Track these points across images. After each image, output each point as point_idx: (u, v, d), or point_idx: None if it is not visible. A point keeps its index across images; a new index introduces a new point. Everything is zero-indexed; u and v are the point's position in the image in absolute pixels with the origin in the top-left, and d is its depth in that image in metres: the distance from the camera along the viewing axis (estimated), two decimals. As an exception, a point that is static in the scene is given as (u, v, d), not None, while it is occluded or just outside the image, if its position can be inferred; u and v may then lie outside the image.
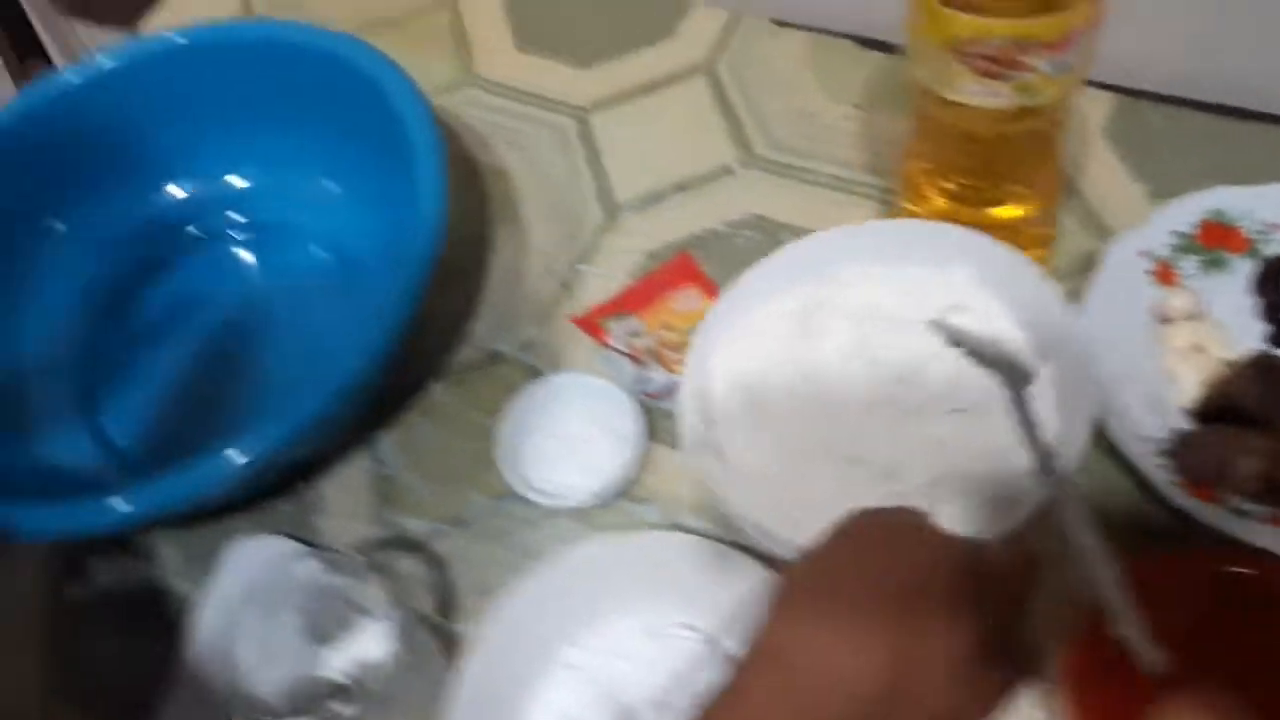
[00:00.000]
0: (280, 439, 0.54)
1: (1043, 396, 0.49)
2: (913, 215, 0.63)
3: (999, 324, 0.53)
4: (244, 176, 0.76)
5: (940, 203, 0.61)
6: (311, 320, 0.70)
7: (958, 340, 0.52)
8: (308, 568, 0.52)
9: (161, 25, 0.92)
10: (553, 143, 0.78)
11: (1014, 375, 0.49)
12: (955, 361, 0.52)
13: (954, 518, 0.46)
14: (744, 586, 0.53)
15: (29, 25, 1.22)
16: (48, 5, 1.27)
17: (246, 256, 0.75)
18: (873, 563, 0.36)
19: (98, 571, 0.64)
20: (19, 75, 1.23)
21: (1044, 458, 0.45)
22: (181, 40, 0.71)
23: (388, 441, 0.66)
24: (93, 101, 0.70)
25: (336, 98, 0.67)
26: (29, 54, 1.22)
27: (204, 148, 0.74)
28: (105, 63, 0.70)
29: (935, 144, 0.60)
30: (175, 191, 0.76)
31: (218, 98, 0.71)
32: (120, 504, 0.53)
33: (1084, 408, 0.48)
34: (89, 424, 0.67)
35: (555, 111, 0.80)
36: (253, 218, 0.76)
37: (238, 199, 0.76)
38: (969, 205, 0.61)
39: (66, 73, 0.71)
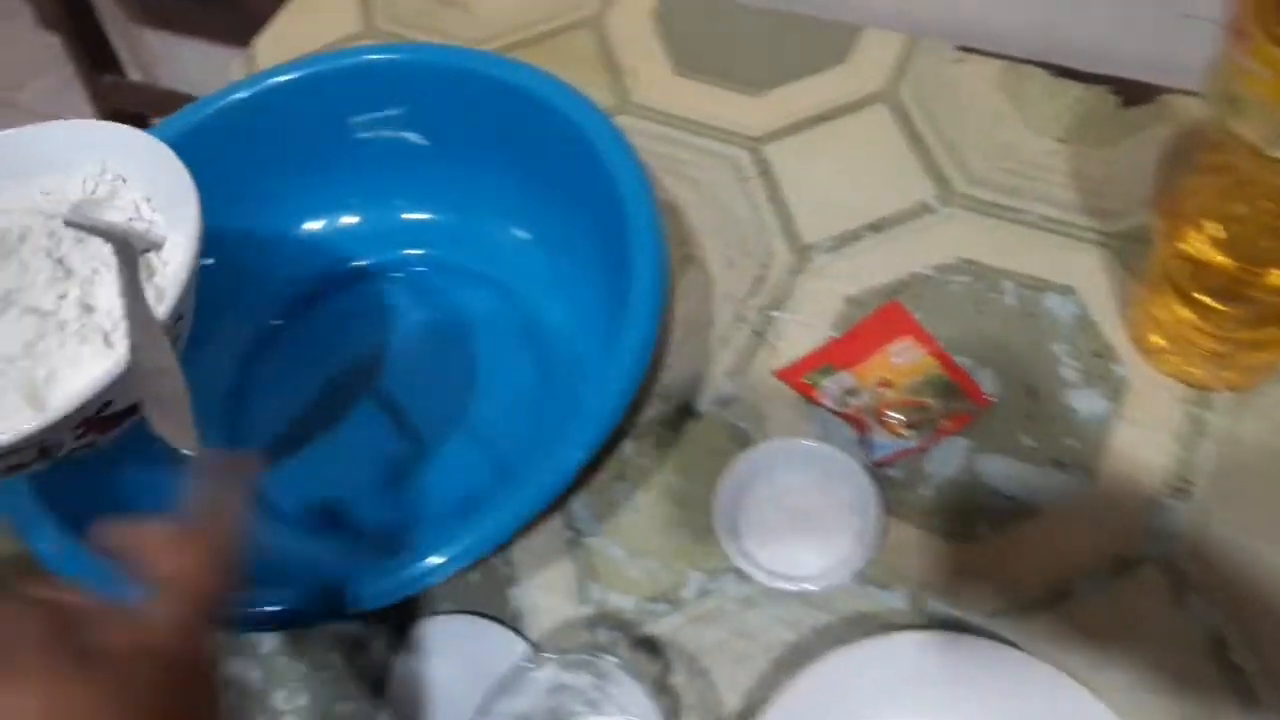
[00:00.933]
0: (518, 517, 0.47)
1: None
2: (1182, 256, 0.57)
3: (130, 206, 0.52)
4: (424, 211, 0.69)
5: (1215, 255, 0.55)
6: (494, 376, 0.64)
7: (81, 228, 0.50)
8: (548, 674, 0.46)
9: (273, 42, 0.86)
10: (726, 176, 0.72)
11: (124, 247, 0.48)
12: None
13: None
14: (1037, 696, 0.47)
15: (103, 37, 1.16)
16: (123, 17, 1.20)
17: (416, 297, 0.68)
18: None
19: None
20: (93, 88, 1.16)
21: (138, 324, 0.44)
22: (367, 58, 0.64)
23: (582, 505, 0.60)
24: (261, 117, 0.65)
25: (530, 136, 0.61)
26: (103, 67, 1.15)
27: (376, 176, 0.67)
28: (276, 78, 0.64)
29: (1229, 198, 0.54)
30: (348, 220, 0.70)
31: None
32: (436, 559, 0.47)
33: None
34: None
35: (726, 142, 0.74)
36: (430, 256, 0.69)
37: (415, 234, 0.69)
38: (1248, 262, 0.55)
39: (236, 87, 0.64)
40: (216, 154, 0.59)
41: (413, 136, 0.66)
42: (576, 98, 0.59)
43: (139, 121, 1.20)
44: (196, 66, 1.26)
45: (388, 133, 0.66)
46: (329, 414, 0.63)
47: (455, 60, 0.63)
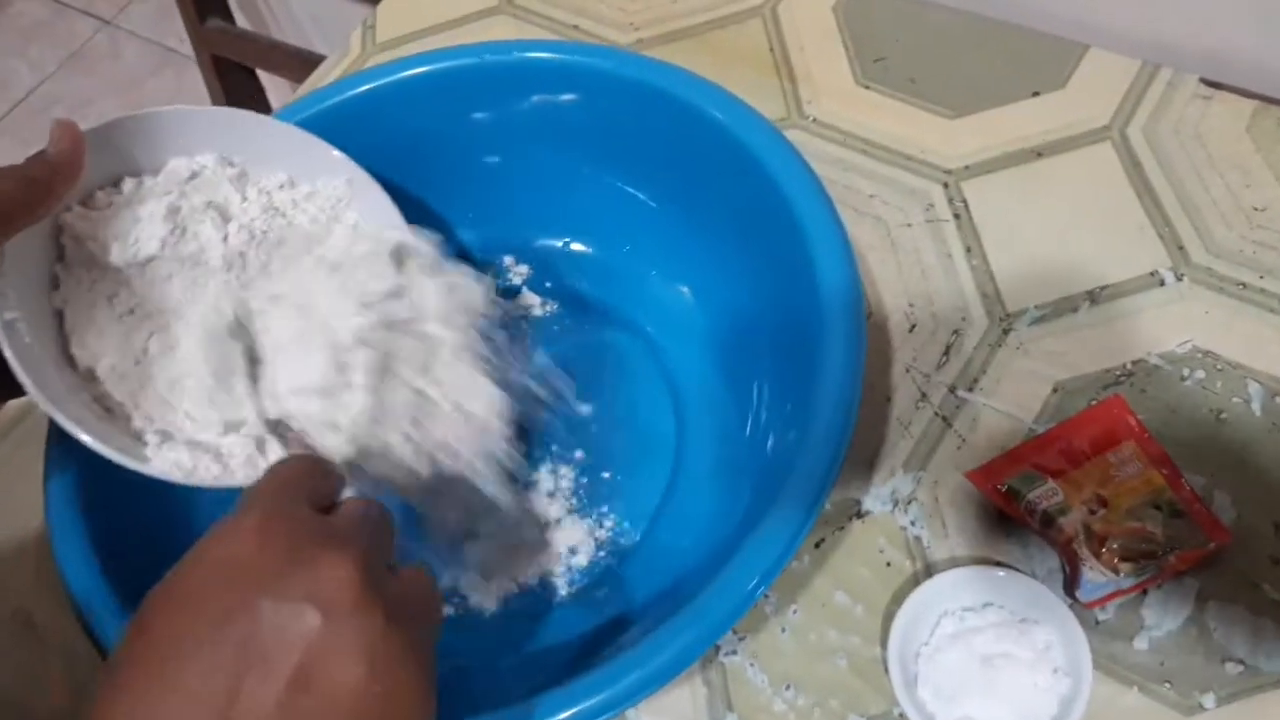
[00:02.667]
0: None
1: None
2: None
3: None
4: (561, 237, 0.60)
5: None
6: (628, 446, 0.54)
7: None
8: None
9: (396, 11, 0.77)
10: (915, 215, 0.61)
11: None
12: None
13: None
14: None
15: (212, -23, 1.07)
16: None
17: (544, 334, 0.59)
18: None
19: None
20: (198, 34, 1.08)
21: None
22: (522, 54, 0.54)
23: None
24: (391, 111, 0.56)
25: (716, 180, 0.51)
26: (209, 12, 1.07)
27: (516, 192, 0.59)
28: (411, 69, 0.55)
29: None
30: (475, 237, 0.61)
31: (563, 131, 0.56)
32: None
33: None
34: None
35: (914, 172, 0.62)
36: (568, 288, 0.60)
37: (556, 261, 0.61)
38: None
39: (369, 74, 0.55)
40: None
41: (552, 154, 0.56)
42: (772, 134, 0.49)
43: (249, 78, 1.12)
44: (311, 21, 1.17)
45: (526, 146, 0.56)
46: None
47: (627, 70, 0.52)
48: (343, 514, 0.35)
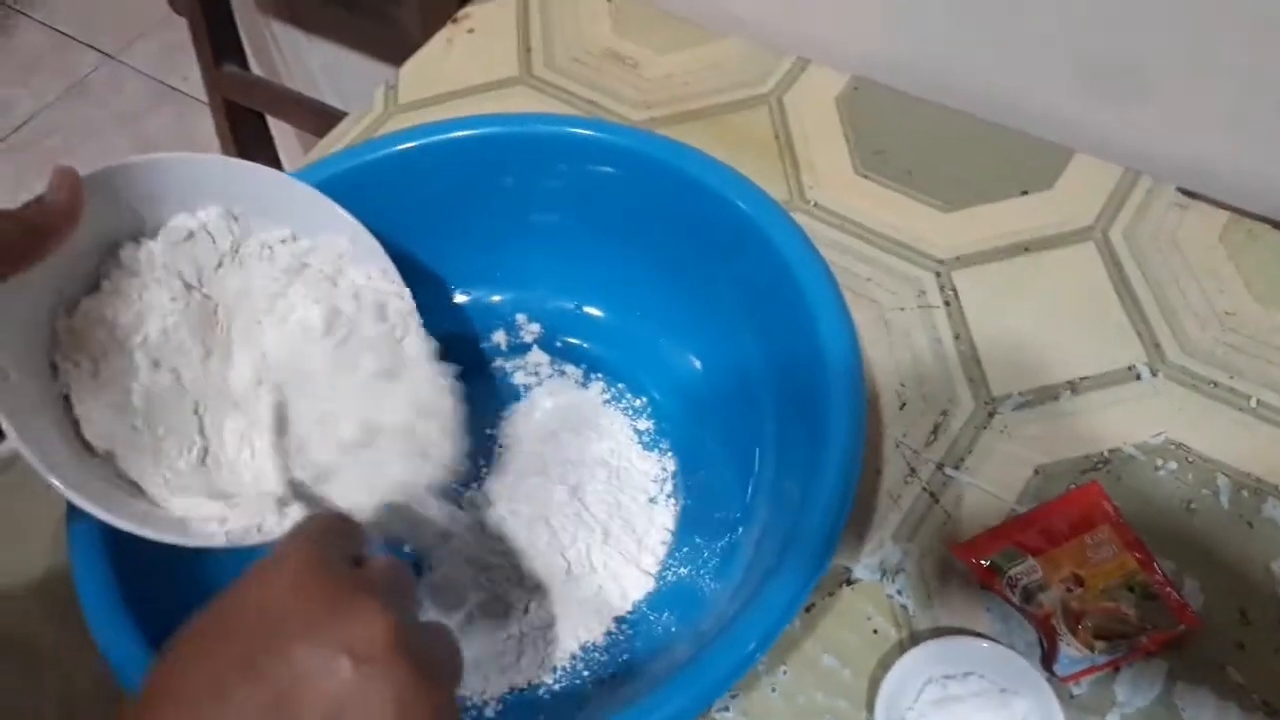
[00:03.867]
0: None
1: None
2: None
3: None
4: (579, 303, 0.63)
5: None
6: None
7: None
8: None
9: (419, 72, 0.80)
10: (908, 300, 0.64)
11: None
12: None
13: None
14: None
15: (232, 24, 1.10)
16: (253, 8, 1.16)
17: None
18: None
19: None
20: (212, 77, 1.11)
21: None
22: (540, 128, 0.58)
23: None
24: (413, 174, 0.58)
25: (728, 255, 0.54)
26: (225, 58, 1.10)
27: (534, 256, 0.62)
28: (445, 134, 0.58)
29: None
30: (495, 298, 0.64)
31: (582, 201, 0.59)
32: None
33: None
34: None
35: (909, 260, 0.66)
36: (581, 351, 0.63)
37: (569, 325, 0.63)
38: None
39: (396, 138, 0.58)
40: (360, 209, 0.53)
41: (570, 220, 0.59)
42: (781, 215, 0.52)
43: (258, 122, 1.15)
44: (323, 73, 1.21)
45: (547, 213, 0.59)
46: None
47: (648, 148, 0.56)
48: (373, 568, 0.36)
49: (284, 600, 0.31)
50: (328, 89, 1.22)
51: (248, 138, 1.17)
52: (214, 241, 0.48)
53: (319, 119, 1.00)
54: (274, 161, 1.19)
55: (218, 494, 0.45)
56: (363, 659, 0.30)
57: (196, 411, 0.46)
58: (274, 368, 0.48)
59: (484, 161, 0.58)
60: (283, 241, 0.50)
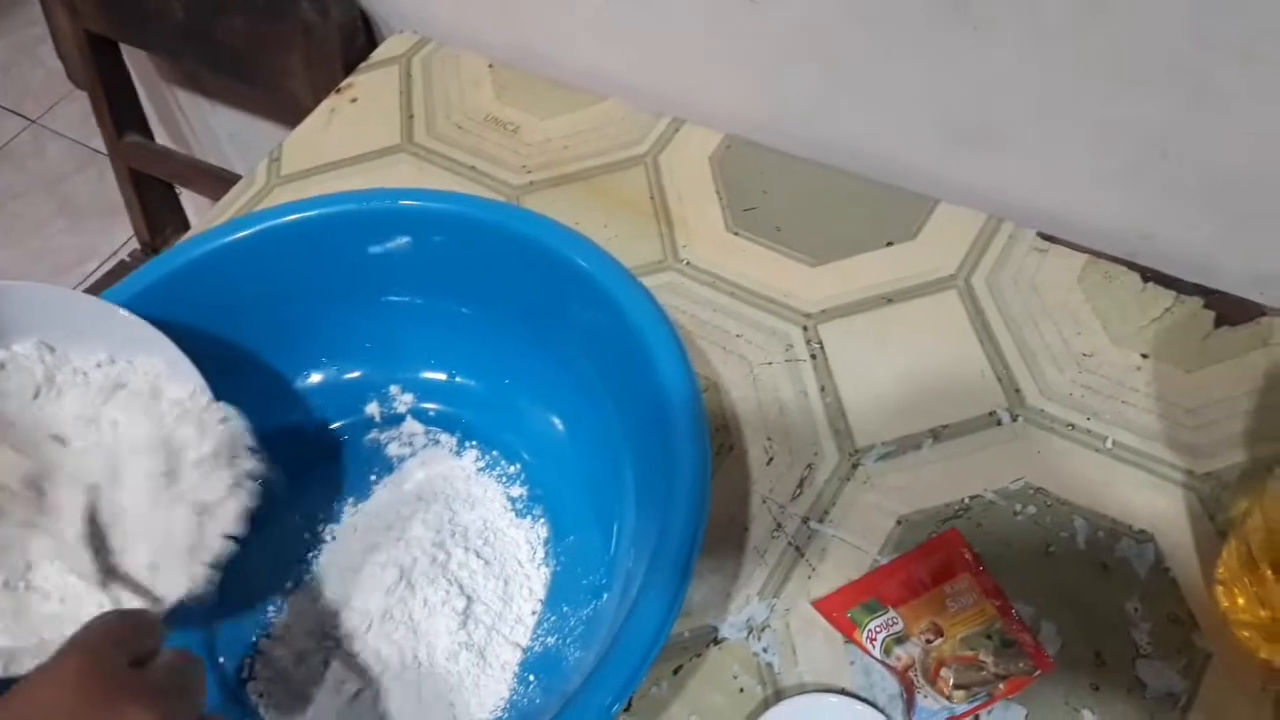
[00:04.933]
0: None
1: None
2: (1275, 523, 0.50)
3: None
4: (450, 373, 0.64)
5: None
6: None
7: None
8: None
9: (303, 145, 0.81)
10: (775, 355, 0.65)
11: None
12: None
13: None
14: None
15: (133, 94, 1.11)
16: (156, 77, 1.16)
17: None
18: None
19: None
20: (115, 148, 1.11)
21: None
22: (384, 204, 0.58)
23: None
24: (266, 258, 0.59)
25: (579, 317, 0.55)
26: (128, 128, 1.10)
27: (395, 330, 0.62)
28: (283, 217, 0.58)
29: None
30: (352, 375, 0.64)
31: (442, 274, 0.60)
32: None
33: None
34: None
35: (776, 315, 0.67)
36: (456, 419, 0.63)
37: (450, 396, 0.64)
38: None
39: (238, 224, 0.58)
40: (207, 297, 0.55)
41: (431, 294, 0.60)
42: (626, 278, 0.53)
43: (166, 189, 1.15)
44: (229, 140, 1.21)
45: (404, 292, 0.60)
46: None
47: (485, 214, 0.57)
48: (156, 666, 0.37)
49: (57, 703, 0.32)
50: (234, 155, 1.23)
51: (156, 204, 1.17)
52: (28, 372, 0.49)
53: (220, 185, 1.00)
54: (183, 224, 1.19)
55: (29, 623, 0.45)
56: None
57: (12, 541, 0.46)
58: (90, 487, 0.48)
59: (342, 238, 0.58)
60: (98, 365, 0.51)
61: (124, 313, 0.51)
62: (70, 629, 0.44)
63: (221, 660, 0.57)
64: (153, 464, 0.47)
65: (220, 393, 0.52)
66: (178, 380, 0.51)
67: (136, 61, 1.13)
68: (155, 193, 1.18)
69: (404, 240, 0.57)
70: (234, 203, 0.78)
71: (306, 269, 0.59)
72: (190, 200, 1.20)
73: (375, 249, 0.59)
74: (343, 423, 0.64)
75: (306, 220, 0.57)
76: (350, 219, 0.58)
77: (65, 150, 1.98)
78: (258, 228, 0.57)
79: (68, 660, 0.34)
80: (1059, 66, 0.62)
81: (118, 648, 0.36)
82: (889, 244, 0.70)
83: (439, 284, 0.60)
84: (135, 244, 1.24)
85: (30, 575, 0.46)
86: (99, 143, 1.95)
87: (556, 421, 0.61)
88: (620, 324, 0.53)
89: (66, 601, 0.46)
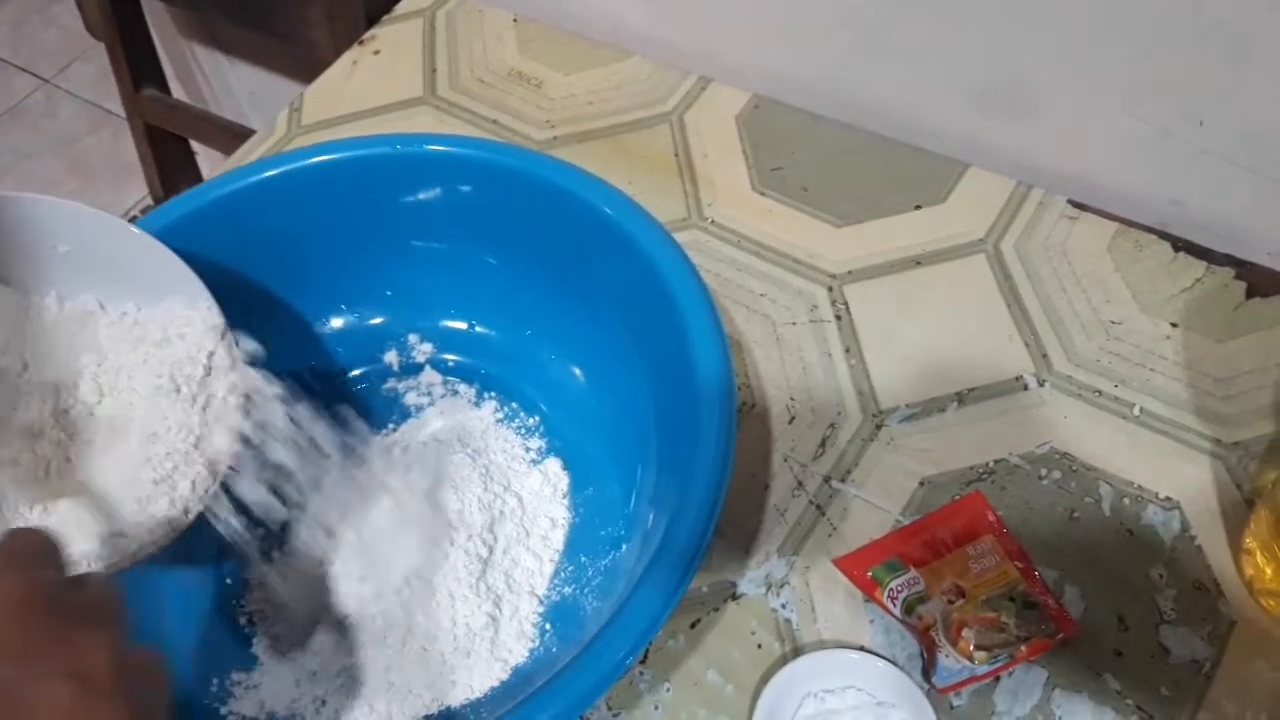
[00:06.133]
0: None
1: None
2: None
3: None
4: (471, 322, 0.63)
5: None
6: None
7: None
8: None
9: (324, 95, 0.80)
10: (800, 315, 0.64)
11: None
12: None
13: None
14: None
15: (151, 48, 1.10)
16: (173, 30, 1.15)
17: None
18: None
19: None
20: (132, 102, 1.10)
21: None
22: (412, 148, 0.57)
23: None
24: (288, 199, 0.58)
25: (610, 273, 0.54)
26: (144, 79, 1.09)
27: (416, 276, 0.61)
28: (310, 159, 0.57)
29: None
30: (376, 320, 0.64)
31: (469, 222, 0.59)
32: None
33: None
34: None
35: (801, 275, 0.66)
36: (467, 367, 0.62)
37: (453, 343, 0.63)
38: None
39: (266, 163, 0.57)
40: (232, 236, 0.54)
41: (456, 241, 0.59)
42: (659, 232, 0.52)
43: (181, 146, 1.14)
44: (248, 96, 1.20)
45: (430, 238, 0.59)
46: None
47: (517, 163, 0.56)
48: (94, 587, 0.35)
49: (4, 628, 0.30)
50: (251, 111, 1.22)
51: (170, 160, 1.16)
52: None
53: (237, 141, 0.99)
54: (197, 181, 1.18)
55: None
56: (85, 686, 0.29)
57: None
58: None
59: (361, 184, 0.58)
60: (123, 314, 0.51)
61: (151, 240, 0.50)
62: None
63: (228, 582, 0.56)
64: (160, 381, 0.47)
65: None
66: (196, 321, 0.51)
67: (155, 15, 1.12)
68: (170, 149, 1.17)
69: (434, 186, 0.57)
70: (254, 150, 0.77)
71: (332, 212, 0.59)
72: (205, 157, 1.20)
73: (404, 194, 0.58)
74: (361, 370, 0.64)
75: (336, 162, 0.57)
76: (381, 162, 0.57)
77: (78, 110, 1.97)
78: (288, 167, 0.56)
79: (3, 582, 0.32)
80: (1090, 25, 0.61)
81: (49, 567, 0.34)
82: (917, 207, 0.69)
83: (465, 231, 0.59)
84: (147, 203, 1.23)
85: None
86: (112, 104, 1.95)
87: (578, 373, 0.60)
88: (653, 281, 0.52)
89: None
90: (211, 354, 0.49)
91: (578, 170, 0.55)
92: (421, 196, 0.58)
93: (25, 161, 1.88)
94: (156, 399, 0.47)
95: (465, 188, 0.57)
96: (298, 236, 0.59)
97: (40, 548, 0.35)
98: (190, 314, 0.50)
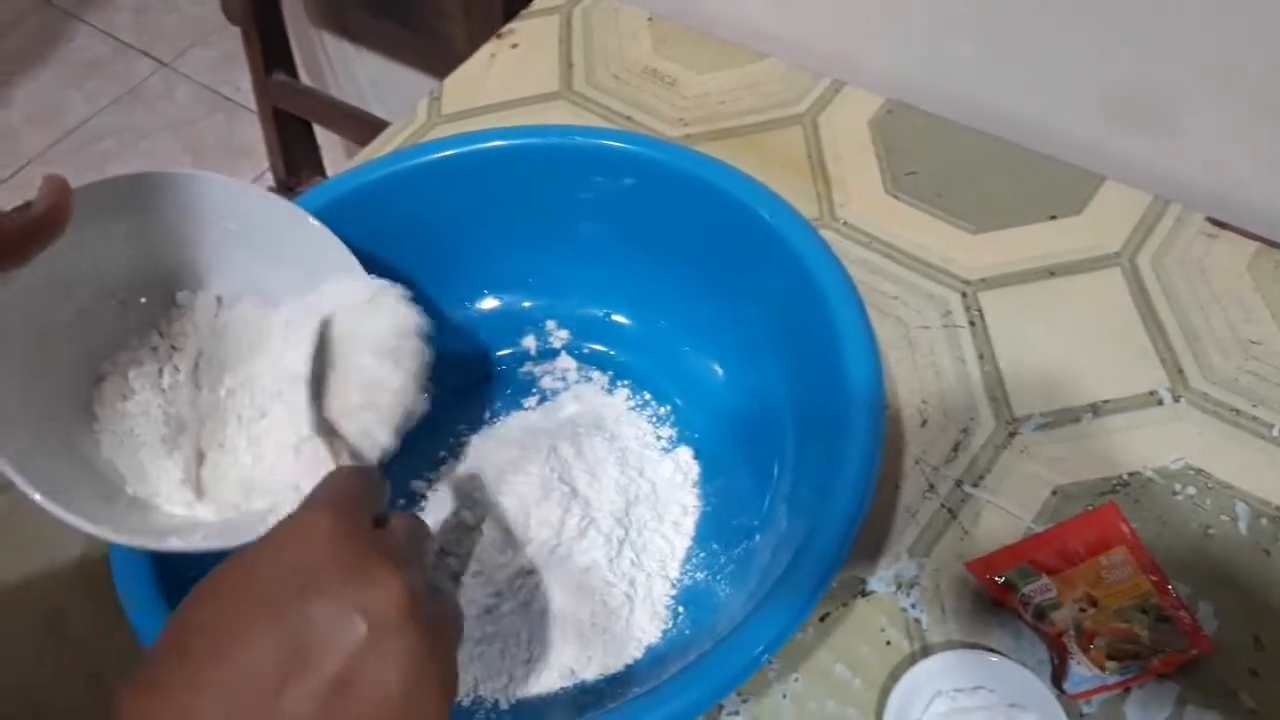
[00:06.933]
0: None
1: None
2: None
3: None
4: (608, 311, 0.65)
5: None
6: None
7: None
8: None
9: (462, 85, 0.82)
10: (933, 319, 0.65)
11: None
12: None
13: None
14: None
15: (283, 34, 1.14)
16: (305, 20, 1.19)
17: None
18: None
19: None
20: (263, 86, 1.14)
21: None
22: (575, 140, 0.59)
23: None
24: (450, 181, 0.60)
25: (757, 270, 0.56)
26: (276, 66, 1.13)
27: (561, 264, 0.63)
28: (481, 143, 0.59)
29: None
30: (525, 304, 0.66)
31: (616, 213, 0.61)
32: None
33: None
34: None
35: (935, 280, 0.67)
36: (606, 357, 0.64)
37: (605, 334, 0.65)
38: None
39: (437, 145, 0.60)
40: (384, 219, 0.56)
41: (604, 233, 0.61)
42: (812, 234, 0.53)
43: (305, 130, 1.18)
44: (371, 85, 1.23)
45: (579, 229, 0.61)
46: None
47: (683, 163, 0.57)
48: (395, 529, 0.37)
49: (309, 560, 0.33)
50: (374, 100, 1.25)
51: (294, 144, 1.20)
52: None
53: (363, 128, 1.03)
54: (318, 165, 1.22)
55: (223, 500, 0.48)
56: (378, 623, 0.32)
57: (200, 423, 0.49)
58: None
59: (517, 172, 0.59)
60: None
61: (310, 219, 0.52)
62: (259, 496, 0.46)
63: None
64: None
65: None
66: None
67: (290, 2, 1.16)
68: (294, 132, 1.21)
69: (593, 178, 0.58)
70: (394, 137, 0.80)
71: (485, 198, 0.61)
72: (326, 140, 1.23)
73: (560, 185, 0.60)
74: (499, 353, 0.66)
75: (500, 150, 0.59)
76: (542, 152, 0.59)
77: (194, 94, 2.04)
78: (458, 150, 0.58)
79: (319, 516, 0.34)
80: (1235, 38, 0.61)
81: (361, 507, 0.36)
82: (1052, 217, 0.69)
83: (614, 224, 0.61)
84: (265, 183, 1.27)
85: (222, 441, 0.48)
86: (228, 89, 2.01)
87: (715, 366, 0.61)
88: (807, 287, 0.53)
89: (256, 464, 0.48)
90: None
91: (729, 167, 0.56)
92: (578, 188, 0.59)
93: (143, 141, 1.96)
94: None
95: (624, 182, 0.58)
96: (448, 221, 0.61)
97: (358, 484, 0.38)
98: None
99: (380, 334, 0.50)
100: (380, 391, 0.48)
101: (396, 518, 0.38)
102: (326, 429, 0.47)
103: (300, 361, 0.48)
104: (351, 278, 0.52)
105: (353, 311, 0.50)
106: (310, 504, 0.36)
